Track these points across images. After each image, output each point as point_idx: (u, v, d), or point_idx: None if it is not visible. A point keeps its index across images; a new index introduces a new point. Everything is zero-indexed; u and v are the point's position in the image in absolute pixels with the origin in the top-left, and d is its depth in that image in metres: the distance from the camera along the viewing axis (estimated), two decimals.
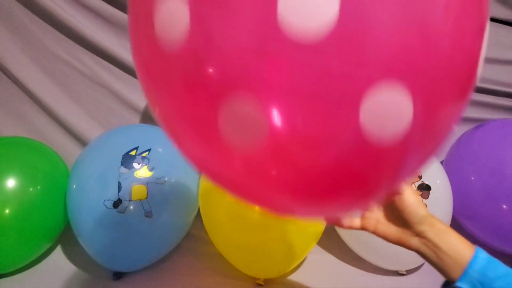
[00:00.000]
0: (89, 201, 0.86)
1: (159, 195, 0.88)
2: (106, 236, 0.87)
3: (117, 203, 0.84)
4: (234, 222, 0.83)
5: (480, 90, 1.32)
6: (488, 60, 1.32)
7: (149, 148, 0.90)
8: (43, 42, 1.21)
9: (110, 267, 0.92)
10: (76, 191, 0.90)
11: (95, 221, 0.86)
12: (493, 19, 1.33)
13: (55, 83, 1.23)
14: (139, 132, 0.99)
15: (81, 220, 0.88)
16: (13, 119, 1.23)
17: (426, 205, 0.88)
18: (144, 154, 0.89)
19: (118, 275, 0.93)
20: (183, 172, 0.95)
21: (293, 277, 0.95)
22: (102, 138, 0.97)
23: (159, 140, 0.96)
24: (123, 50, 1.22)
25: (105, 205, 0.84)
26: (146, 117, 1.25)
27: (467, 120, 1.29)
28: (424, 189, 0.90)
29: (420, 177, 0.91)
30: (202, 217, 0.90)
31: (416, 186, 0.90)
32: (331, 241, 1.04)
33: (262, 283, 0.91)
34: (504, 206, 0.95)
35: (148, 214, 0.86)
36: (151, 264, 0.96)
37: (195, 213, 1.00)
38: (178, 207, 0.93)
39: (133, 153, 0.89)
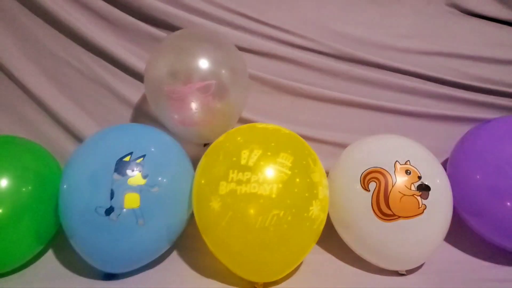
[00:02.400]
0: (81, 204, 0.84)
1: (152, 203, 0.86)
2: (97, 240, 0.85)
3: (109, 211, 0.82)
4: (231, 226, 0.81)
5: (480, 90, 1.31)
6: (488, 60, 1.32)
7: (143, 154, 0.88)
8: (43, 42, 1.22)
9: (102, 269, 0.91)
10: (67, 193, 0.87)
11: (87, 226, 0.85)
12: (493, 19, 1.33)
13: (55, 83, 1.24)
14: (134, 135, 0.96)
15: (73, 224, 0.87)
16: (12, 118, 1.24)
17: (425, 206, 0.87)
18: (138, 161, 0.87)
19: (109, 277, 0.91)
20: (177, 180, 0.93)
21: (293, 277, 0.94)
22: (95, 137, 0.95)
23: (154, 144, 0.94)
24: (122, 50, 1.22)
25: (97, 212, 0.82)
26: (144, 116, 1.25)
27: (467, 120, 1.29)
28: (424, 189, 0.89)
29: (420, 177, 0.90)
30: (197, 222, 0.88)
31: (416, 187, 0.89)
32: (331, 241, 1.04)
33: (261, 287, 0.90)
34: (508, 204, 0.94)
35: (141, 223, 0.84)
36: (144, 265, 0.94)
37: (187, 219, 0.97)
38: (171, 215, 0.91)
39: (127, 159, 0.86)
